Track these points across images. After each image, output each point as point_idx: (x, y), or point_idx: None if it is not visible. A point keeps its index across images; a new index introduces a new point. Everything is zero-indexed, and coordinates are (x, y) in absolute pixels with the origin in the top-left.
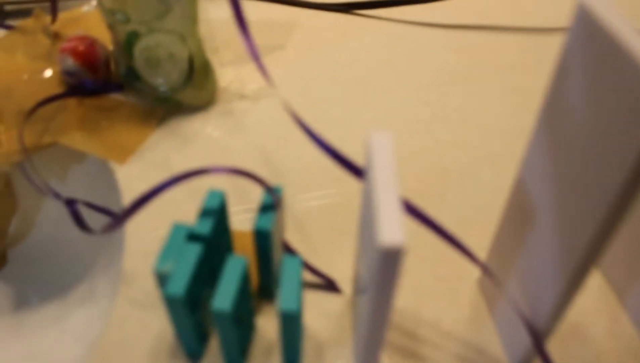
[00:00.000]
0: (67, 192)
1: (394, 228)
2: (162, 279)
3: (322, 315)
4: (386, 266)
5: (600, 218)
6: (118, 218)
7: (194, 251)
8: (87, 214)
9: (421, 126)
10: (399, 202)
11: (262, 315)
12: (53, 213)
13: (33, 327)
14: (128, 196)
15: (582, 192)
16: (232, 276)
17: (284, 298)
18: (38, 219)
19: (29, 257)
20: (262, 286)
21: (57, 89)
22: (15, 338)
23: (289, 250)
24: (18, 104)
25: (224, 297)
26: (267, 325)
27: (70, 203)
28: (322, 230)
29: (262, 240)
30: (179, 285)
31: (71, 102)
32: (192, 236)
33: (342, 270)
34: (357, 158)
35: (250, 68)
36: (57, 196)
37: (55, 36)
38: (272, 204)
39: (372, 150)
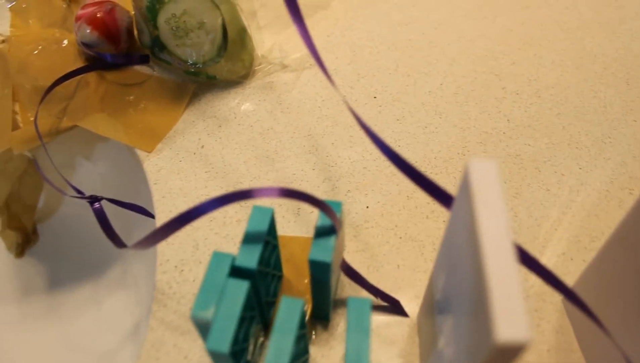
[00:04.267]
0: (89, 183)
1: (515, 318)
2: (201, 327)
3: (386, 343)
4: (499, 359)
5: None
6: (150, 239)
7: (239, 291)
8: (111, 209)
9: (490, 104)
10: (517, 275)
11: (316, 342)
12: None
13: (67, 310)
14: (158, 191)
15: None
16: (288, 325)
17: (352, 352)
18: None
19: (60, 233)
20: (316, 311)
21: (75, 61)
22: (50, 319)
23: (348, 270)
24: (33, 79)
25: (279, 354)
26: (321, 353)
27: (95, 201)
28: (381, 235)
29: (320, 271)
30: (223, 339)
31: (91, 77)
32: (237, 270)
33: (405, 283)
34: (416, 147)
35: (292, 32)
36: (79, 193)
37: None
38: (331, 227)
39: (472, 184)
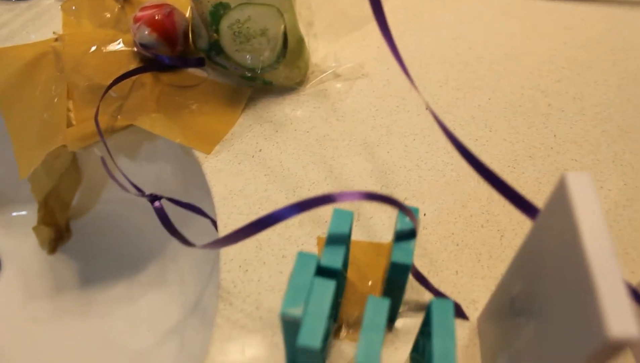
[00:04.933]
0: (145, 183)
1: (624, 317)
2: (290, 324)
3: None
4: (605, 354)
5: None
6: (223, 241)
7: (326, 290)
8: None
9: (537, 119)
10: (621, 277)
11: (385, 344)
12: (119, 191)
13: (100, 307)
14: (218, 193)
15: None
16: (375, 325)
17: (439, 352)
18: (103, 195)
19: (93, 231)
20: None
21: (128, 62)
22: (83, 316)
23: (416, 273)
24: (88, 78)
25: (369, 351)
26: (387, 354)
27: (155, 199)
28: (439, 242)
29: (400, 273)
30: (315, 335)
31: (146, 78)
32: (322, 270)
33: (464, 288)
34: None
35: (345, 42)
36: (139, 191)
37: (125, 0)
38: (410, 231)
39: (572, 196)
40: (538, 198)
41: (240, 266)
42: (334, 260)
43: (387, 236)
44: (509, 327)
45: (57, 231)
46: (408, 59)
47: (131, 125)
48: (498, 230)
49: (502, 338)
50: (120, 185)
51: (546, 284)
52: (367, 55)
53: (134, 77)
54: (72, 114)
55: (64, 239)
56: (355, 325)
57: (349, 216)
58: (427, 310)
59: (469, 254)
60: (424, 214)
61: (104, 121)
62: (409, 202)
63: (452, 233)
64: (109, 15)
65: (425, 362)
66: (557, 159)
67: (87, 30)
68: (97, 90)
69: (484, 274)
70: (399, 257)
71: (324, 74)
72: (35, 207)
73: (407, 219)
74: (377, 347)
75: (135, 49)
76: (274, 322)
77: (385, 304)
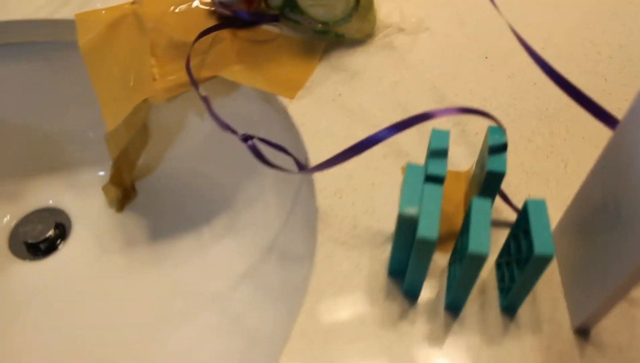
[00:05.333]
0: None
1: None
2: (407, 221)
3: None
4: None
5: None
6: (333, 161)
7: (436, 192)
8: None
9: (589, 65)
10: None
11: None
12: (186, 148)
13: (173, 257)
14: (306, 133)
15: None
16: (482, 219)
17: (474, 239)
18: (168, 154)
19: (158, 190)
20: None
21: (206, 20)
22: (156, 266)
23: (502, 194)
24: (168, 37)
25: (480, 239)
26: None
27: (247, 139)
28: (510, 170)
29: (494, 183)
30: (432, 228)
31: (224, 34)
32: (430, 177)
33: None
34: (529, 100)
35: None
36: (234, 132)
37: None
38: (501, 145)
39: None
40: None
41: (334, 193)
42: (439, 169)
43: (464, 165)
44: (587, 238)
45: (123, 191)
46: (464, 17)
47: (214, 77)
48: (562, 160)
49: (580, 250)
50: (221, 123)
51: (631, 190)
52: (428, 11)
53: (213, 34)
54: (155, 70)
55: (130, 198)
56: (443, 240)
57: (446, 134)
58: (522, 209)
59: (537, 181)
60: None
61: (186, 74)
62: (480, 137)
63: (521, 163)
64: None
65: (523, 256)
66: (609, 100)
67: None
68: (179, 46)
69: (552, 196)
70: (495, 166)
71: (389, 28)
72: (99, 169)
73: (497, 135)
74: (486, 236)
75: (212, 7)
76: (372, 239)
77: (488, 203)
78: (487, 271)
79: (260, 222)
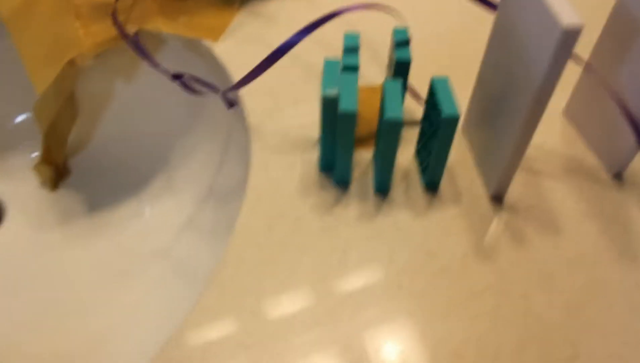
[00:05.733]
0: (163, 78)
1: (569, 12)
2: (329, 103)
3: None
4: (564, 46)
5: None
6: (253, 73)
7: (352, 77)
8: None
9: None
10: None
11: None
12: (116, 117)
13: (110, 227)
14: (235, 71)
15: None
16: (394, 94)
17: (389, 109)
18: (98, 126)
19: (92, 166)
20: None
21: None
22: (93, 238)
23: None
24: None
25: (394, 109)
26: (398, 157)
27: (177, 77)
28: (425, 67)
29: (403, 69)
30: (351, 102)
31: None
32: (345, 68)
33: None
34: None
35: None
36: (165, 71)
37: None
38: (405, 40)
39: None
40: None
41: (263, 112)
42: (352, 60)
43: (379, 81)
44: (488, 121)
45: (56, 169)
46: None
47: (139, 31)
48: (464, 70)
49: (484, 132)
50: (152, 62)
51: (515, 52)
52: None
53: None
54: (80, 31)
55: (63, 176)
56: (364, 139)
57: (357, 36)
58: (429, 88)
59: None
60: None
61: (111, 33)
62: None
63: (431, 73)
64: None
65: (434, 129)
66: None
67: None
68: (101, 7)
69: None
70: (401, 56)
71: None
72: (30, 152)
73: (401, 33)
74: (398, 105)
75: None
76: (303, 144)
77: (398, 83)
78: (408, 161)
79: (197, 174)
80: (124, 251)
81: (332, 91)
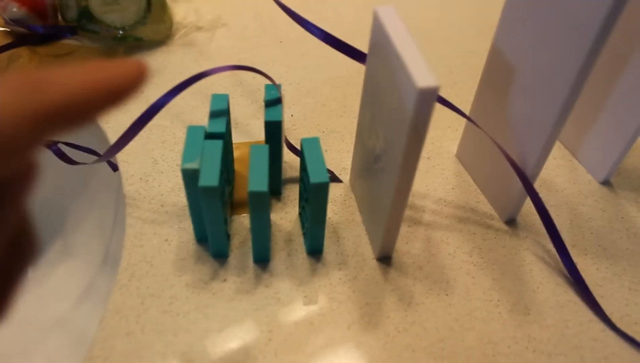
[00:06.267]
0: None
1: (426, 74)
2: (190, 176)
3: (330, 203)
4: (423, 106)
5: (576, 68)
6: (124, 138)
7: (216, 147)
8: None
9: None
10: (421, 56)
11: (274, 211)
12: None
13: None
14: (111, 131)
15: (557, 49)
16: (260, 162)
17: (253, 181)
18: None
19: None
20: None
21: (2, 40)
22: None
23: (290, 147)
24: None
25: (259, 180)
26: (279, 217)
27: (51, 145)
28: (308, 133)
29: (274, 130)
30: (213, 177)
31: (23, 51)
32: (210, 135)
33: (334, 162)
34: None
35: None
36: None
37: None
38: (277, 99)
39: (381, 23)
40: None
41: (141, 178)
42: (218, 126)
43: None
44: (368, 178)
45: None
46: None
47: None
48: (355, 117)
49: (366, 190)
50: None
51: (384, 107)
52: (224, 8)
53: (9, 52)
54: None
55: None
56: (244, 203)
57: (225, 96)
58: (300, 150)
59: (334, 137)
60: (292, 116)
61: None
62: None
63: (317, 124)
64: None
65: (308, 193)
66: None
67: None
68: None
69: (348, 149)
70: (271, 116)
71: (187, 28)
72: None
73: (272, 91)
74: (264, 175)
75: (7, 28)
76: (180, 213)
77: (264, 148)
78: (292, 223)
79: (91, 239)
80: (23, 320)
81: (192, 165)
